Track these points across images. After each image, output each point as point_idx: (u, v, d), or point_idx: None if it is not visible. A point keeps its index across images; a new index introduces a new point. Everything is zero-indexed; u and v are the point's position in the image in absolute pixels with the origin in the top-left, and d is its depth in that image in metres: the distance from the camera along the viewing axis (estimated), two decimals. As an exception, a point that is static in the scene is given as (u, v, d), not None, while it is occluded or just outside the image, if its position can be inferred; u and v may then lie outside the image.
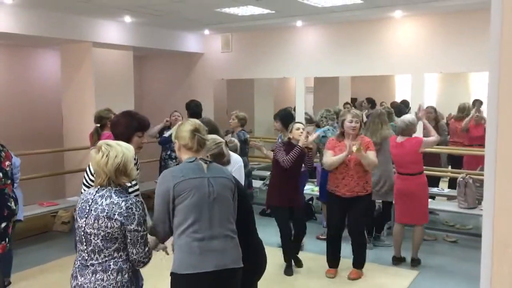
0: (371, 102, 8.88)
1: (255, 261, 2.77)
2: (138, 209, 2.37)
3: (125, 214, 2.32)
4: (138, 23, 7.14)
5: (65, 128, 7.21)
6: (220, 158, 2.95)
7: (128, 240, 2.35)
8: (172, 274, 2.53)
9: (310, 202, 7.01)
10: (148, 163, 7.53)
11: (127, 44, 7.21)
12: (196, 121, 2.70)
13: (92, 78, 6.84)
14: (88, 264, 2.36)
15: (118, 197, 2.36)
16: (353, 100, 10.39)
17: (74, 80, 7.04)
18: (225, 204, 2.59)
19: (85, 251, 2.38)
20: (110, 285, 2.33)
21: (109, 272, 2.34)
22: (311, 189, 6.60)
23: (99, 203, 2.36)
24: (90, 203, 2.38)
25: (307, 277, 4.92)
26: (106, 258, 2.35)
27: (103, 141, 2.48)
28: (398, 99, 9.19)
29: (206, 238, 2.49)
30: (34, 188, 6.78)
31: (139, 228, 2.35)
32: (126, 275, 2.36)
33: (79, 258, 2.42)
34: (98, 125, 5.31)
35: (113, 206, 2.33)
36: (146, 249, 2.40)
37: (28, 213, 5.74)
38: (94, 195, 2.40)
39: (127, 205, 2.34)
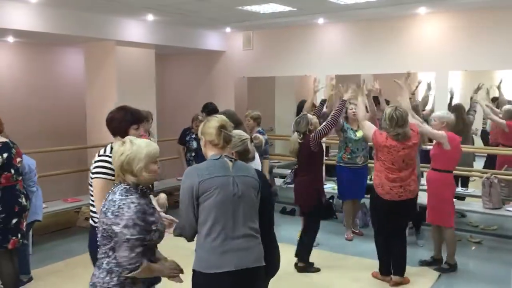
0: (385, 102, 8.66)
1: (267, 260, 2.74)
2: (129, 211, 2.23)
3: (116, 213, 2.23)
4: (160, 22, 7.19)
5: (89, 125, 7.31)
6: (245, 154, 2.92)
7: (114, 241, 2.25)
8: (193, 271, 2.54)
9: (331, 200, 6.97)
10: (170, 160, 7.60)
11: (150, 42, 7.27)
12: (222, 118, 2.67)
13: (115, 76, 6.92)
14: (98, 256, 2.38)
15: (119, 195, 2.28)
16: (375, 98, 10.26)
17: (98, 78, 7.14)
18: (250, 203, 2.57)
19: None
20: (98, 284, 2.29)
21: (101, 269, 2.29)
22: (332, 187, 6.55)
23: (107, 198, 2.35)
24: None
25: (321, 275, 4.92)
26: (103, 255, 2.31)
27: (127, 137, 2.46)
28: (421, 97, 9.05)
29: (229, 238, 2.48)
30: (58, 184, 6.91)
31: (125, 231, 2.20)
32: (115, 278, 2.26)
33: None
34: None
35: (111, 203, 2.28)
36: (132, 255, 2.22)
37: (52, 209, 5.86)
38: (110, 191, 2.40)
39: (119, 204, 2.24)
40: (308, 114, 4.97)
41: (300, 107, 5.88)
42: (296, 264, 4.97)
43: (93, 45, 7.06)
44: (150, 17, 6.80)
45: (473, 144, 6.74)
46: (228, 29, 8.18)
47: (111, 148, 2.88)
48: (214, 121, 2.62)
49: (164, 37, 7.46)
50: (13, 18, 5.61)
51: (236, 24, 7.65)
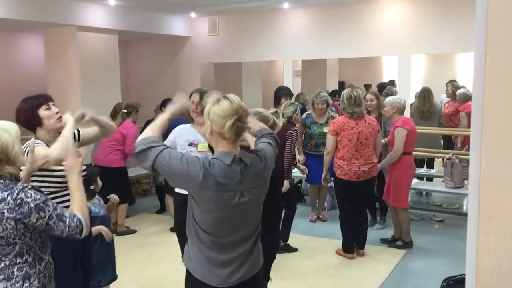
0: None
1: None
2: (30, 196, 1.95)
3: (17, 208, 1.92)
4: (123, 6, 7.04)
5: (51, 114, 7.11)
6: None
7: (44, 229, 2.00)
8: None
9: (300, 185, 7.04)
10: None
11: (112, 27, 7.11)
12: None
13: (77, 63, 6.75)
14: None
15: (1, 192, 1.94)
16: (341, 83, 10.40)
17: (59, 65, 6.94)
18: None
19: None
20: None
21: (14, 280, 1.99)
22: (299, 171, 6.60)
23: None
24: None
25: (290, 256, 4.99)
26: (9, 265, 2.00)
27: None
28: (386, 81, 9.23)
29: None
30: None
31: (42, 214, 1.95)
32: (35, 281, 2.03)
33: None
34: (125, 111, 5.81)
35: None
36: (68, 220, 2.02)
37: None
38: None
39: (14, 197, 1.92)
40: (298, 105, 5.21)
41: (278, 95, 5.85)
42: None
43: (54, 31, 6.84)
44: (112, 1, 6.64)
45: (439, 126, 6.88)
46: (193, 14, 8.08)
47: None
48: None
49: (127, 22, 7.31)
50: (-33, 3, 5.39)
51: (201, 8, 7.57)
